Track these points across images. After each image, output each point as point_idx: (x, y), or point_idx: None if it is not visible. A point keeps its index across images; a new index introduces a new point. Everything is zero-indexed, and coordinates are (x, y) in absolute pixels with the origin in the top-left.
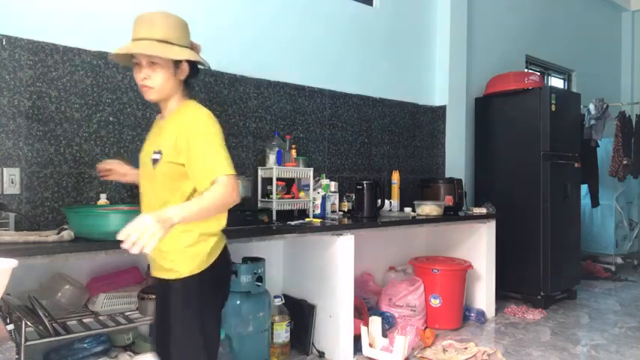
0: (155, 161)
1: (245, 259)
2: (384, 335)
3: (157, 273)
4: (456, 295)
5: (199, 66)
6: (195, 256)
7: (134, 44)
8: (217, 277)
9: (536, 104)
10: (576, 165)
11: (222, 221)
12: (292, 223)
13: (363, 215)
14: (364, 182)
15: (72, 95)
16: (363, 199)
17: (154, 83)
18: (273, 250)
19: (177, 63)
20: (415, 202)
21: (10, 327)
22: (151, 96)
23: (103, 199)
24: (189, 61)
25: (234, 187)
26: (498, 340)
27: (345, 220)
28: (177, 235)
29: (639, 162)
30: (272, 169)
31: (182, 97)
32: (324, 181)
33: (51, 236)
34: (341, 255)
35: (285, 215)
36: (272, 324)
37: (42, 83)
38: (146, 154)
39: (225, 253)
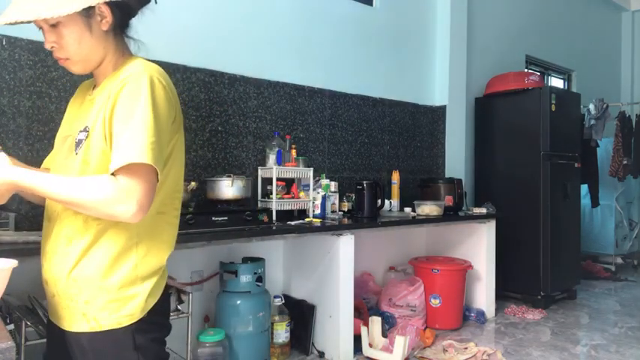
0: (79, 144)
1: (245, 259)
2: (384, 335)
3: (59, 319)
4: (455, 295)
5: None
6: (128, 299)
7: (6, 11)
8: (157, 319)
9: (536, 104)
10: (576, 165)
11: (171, 243)
12: (292, 223)
13: (363, 215)
14: (364, 182)
15: (71, 95)
16: (363, 199)
17: (67, 52)
18: (273, 250)
19: (87, 11)
20: (415, 202)
21: (10, 327)
22: (74, 68)
23: None
24: (109, 2)
25: (121, 197)
26: (498, 340)
27: (345, 220)
28: (100, 259)
29: (639, 162)
30: (272, 169)
31: (120, 54)
32: (324, 181)
33: None
34: (341, 255)
35: (285, 215)
36: (272, 324)
37: (42, 83)
38: (62, 140)
39: (164, 283)
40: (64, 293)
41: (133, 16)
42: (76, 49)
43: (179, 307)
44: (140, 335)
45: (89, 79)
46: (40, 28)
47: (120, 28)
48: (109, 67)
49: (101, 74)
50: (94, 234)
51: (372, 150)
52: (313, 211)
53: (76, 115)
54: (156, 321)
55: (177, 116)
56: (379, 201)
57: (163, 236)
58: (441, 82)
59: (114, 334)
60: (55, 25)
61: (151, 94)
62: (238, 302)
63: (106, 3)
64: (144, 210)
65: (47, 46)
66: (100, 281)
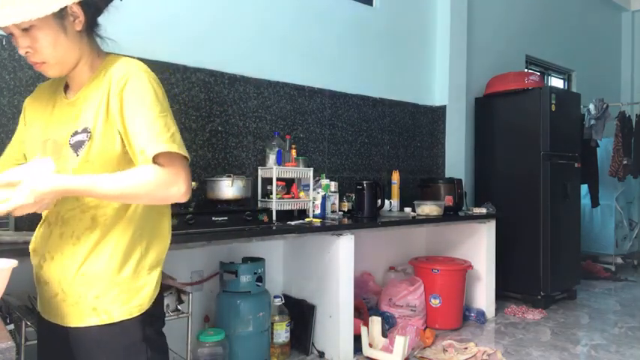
0: (79, 145)
1: (245, 259)
2: (384, 335)
3: (62, 317)
4: (455, 295)
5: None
6: (138, 290)
7: None
8: (156, 312)
9: (536, 104)
10: (576, 165)
11: (169, 233)
12: (292, 223)
13: (363, 215)
14: (364, 182)
15: None
16: (363, 199)
17: (43, 55)
18: (273, 250)
19: (60, 12)
20: (415, 202)
21: (10, 327)
22: (50, 72)
23: None
24: (80, 2)
25: (171, 179)
26: (498, 340)
27: (345, 220)
28: (110, 253)
29: (639, 162)
30: (272, 169)
31: (96, 55)
32: (324, 181)
33: None
34: (341, 255)
35: (285, 215)
36: (272, 324)
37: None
38: (41, 144)
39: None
40: (71, 290)
41: (100, 15)
42: (52, 52)
43: (179, 307)
44: (147, 327)
45: (45, 80)
46: (10, 33)
47: (91, 27)
48: (86, 69)
49: (77, 76)
50: (102, 230)
51: (372, 150)
52: (313, 211)
53: (49, 119)
54: (156, 313)
55: None
56: (379, 201)
57: (162, 227)
58: (440, 82)
59: (124, 325)
60: (27, 29)
61: (154, 88)
62: (238, 302)
63: (78, 3)
64: (189, 191)
65: (21, 52)
66: (111, 275)
